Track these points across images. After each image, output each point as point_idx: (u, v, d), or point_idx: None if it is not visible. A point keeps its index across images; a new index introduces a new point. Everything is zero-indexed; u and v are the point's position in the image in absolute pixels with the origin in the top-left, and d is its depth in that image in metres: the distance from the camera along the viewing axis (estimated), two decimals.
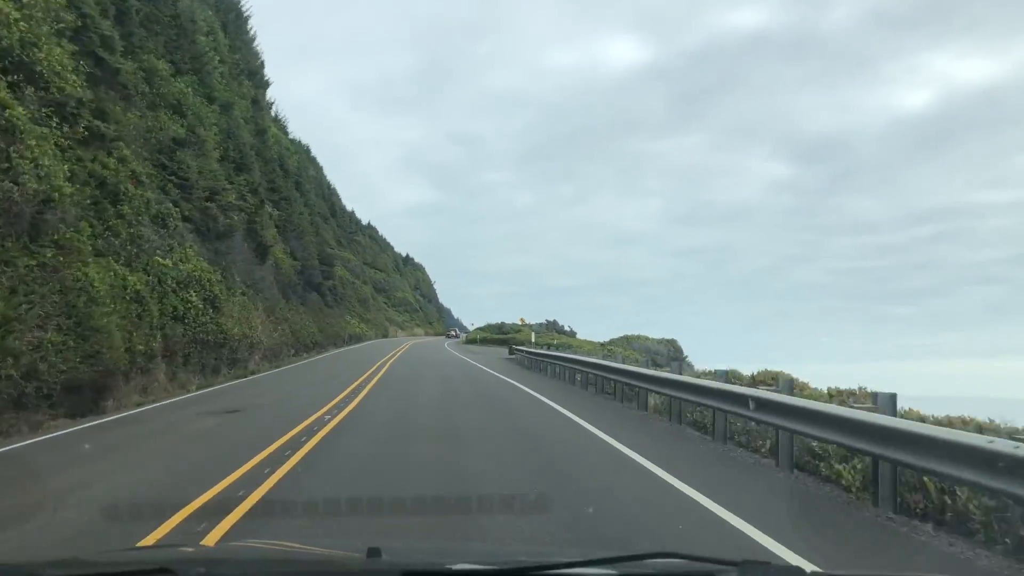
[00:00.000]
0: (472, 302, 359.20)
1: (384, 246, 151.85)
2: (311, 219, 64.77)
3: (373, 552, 1.80)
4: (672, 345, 43.65)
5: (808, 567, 1.66)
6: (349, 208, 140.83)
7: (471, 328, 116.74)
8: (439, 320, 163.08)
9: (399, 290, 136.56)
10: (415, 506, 6.67)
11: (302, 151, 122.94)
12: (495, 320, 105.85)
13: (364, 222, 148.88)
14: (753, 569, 1.48)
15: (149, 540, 5.56)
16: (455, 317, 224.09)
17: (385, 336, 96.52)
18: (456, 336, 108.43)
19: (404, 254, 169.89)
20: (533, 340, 35.28)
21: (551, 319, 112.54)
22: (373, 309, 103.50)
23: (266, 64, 61.45)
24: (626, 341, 41.47)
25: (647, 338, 42.94)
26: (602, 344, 41.87)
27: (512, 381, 22.41)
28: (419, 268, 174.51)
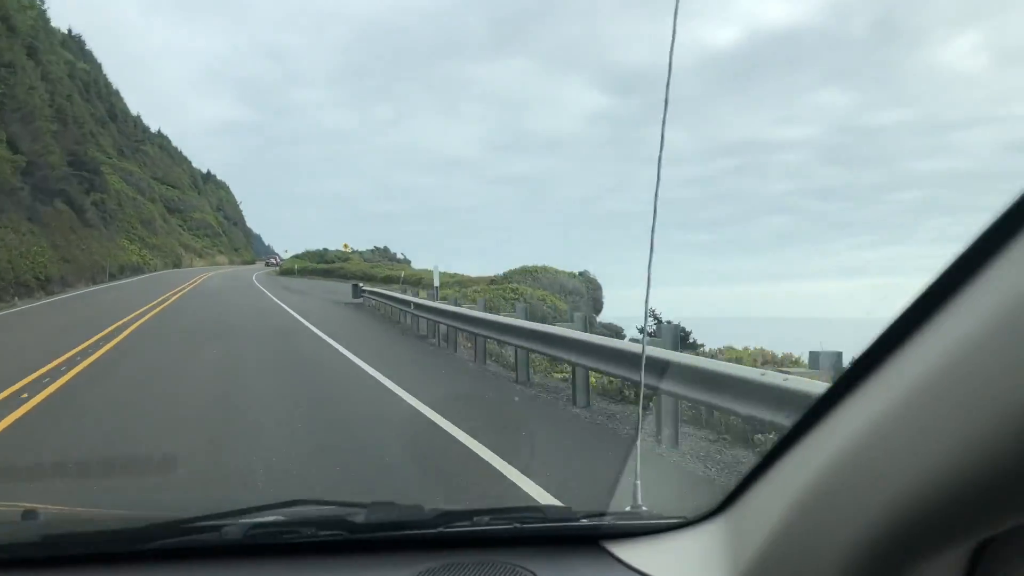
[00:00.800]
0: (285, 228, 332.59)
1: (179, 159, 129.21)
2: (53, 102, 46.29)
3: (29, 514, 1.76)
4: (588, 281, 31.35)
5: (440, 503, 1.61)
6: (135, 112, 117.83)
7: (285, 255, 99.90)
8: (247, 246, 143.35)
9: (197, 211, 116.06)
10: None
11: (66, 38, 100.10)
12: (314, 247, 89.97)
13: (154, 129, 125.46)
14: (380, 509, 1.55)
15: None
16: (265, 243, 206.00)
17: (177, 266, 78.28)
18: (276, 264, 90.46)
19: (205, 170, 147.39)
20: (437, 283, 21.52)
21: (380, 245, 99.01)
22: (162, 233, 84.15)
23: None
24: (530, 276, 28.73)
25: (557, 271, 30.27)
26: (492, 281, 29.03)
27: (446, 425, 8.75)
28: (223, 186, 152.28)
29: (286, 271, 72.45)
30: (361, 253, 78.54)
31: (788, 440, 1.03)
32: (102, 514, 2.15)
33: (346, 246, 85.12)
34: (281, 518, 1.57)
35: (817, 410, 0.95)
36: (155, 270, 66.48)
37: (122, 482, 5.47)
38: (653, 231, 1.67)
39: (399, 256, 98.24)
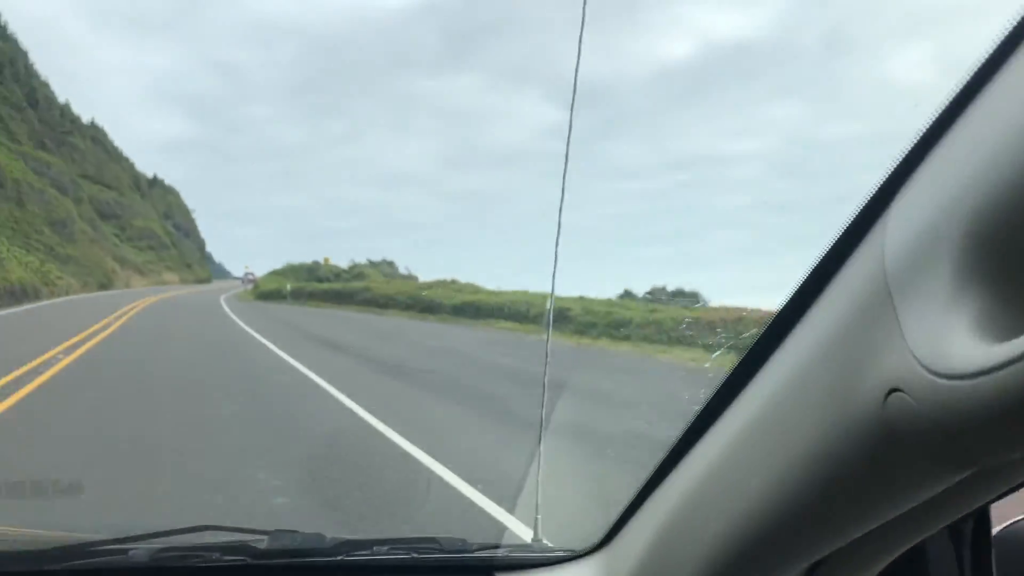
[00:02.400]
0: (238, 245, 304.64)
1: (116, 156, 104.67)
2: None
3: None
4: None
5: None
6: (63, 100, 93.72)
7: (246, 274, 76.98)
8: (201, 263, 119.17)
9: (140, 217, 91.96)
10: None
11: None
12: (274, 264, 67.10)
13: (86, 120, 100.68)
14: (282, 536, 1.56)
15: None
16: (216, 261, 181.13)
17: (105, 288, 54.76)
18: (251, 282, 65.83)
19: (151, 175, 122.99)
20: None
21: (383, 258, 76.17)
22: (84, 240, 60.31)
23: None
24: None
25: None
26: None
27: None
28: (172, 192, 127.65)
29: (266, 294, 49.23)
30: (376, 266, 56.46)
31: (661, 470, 1.03)
32: (8, 533, 2.03)
33: (327, 260, 64.23)
34: (187, 542, 1.59)
35: (686, 439, 0.96)
36: (65, 294, 43.23)
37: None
38: (558, 242, 1.74)
39: (403, 270, 74.63)
